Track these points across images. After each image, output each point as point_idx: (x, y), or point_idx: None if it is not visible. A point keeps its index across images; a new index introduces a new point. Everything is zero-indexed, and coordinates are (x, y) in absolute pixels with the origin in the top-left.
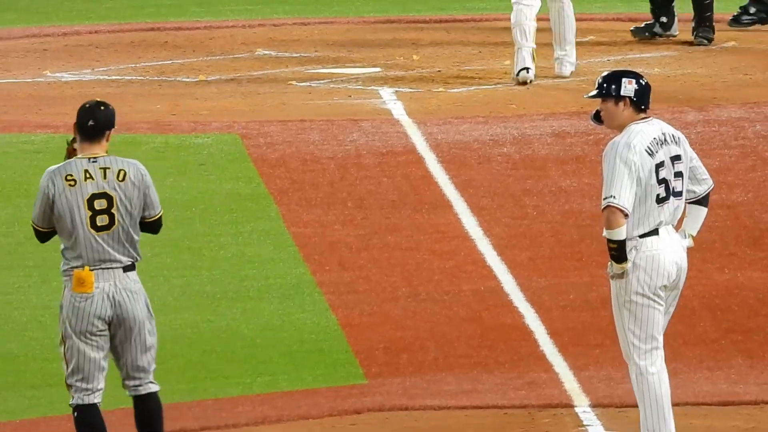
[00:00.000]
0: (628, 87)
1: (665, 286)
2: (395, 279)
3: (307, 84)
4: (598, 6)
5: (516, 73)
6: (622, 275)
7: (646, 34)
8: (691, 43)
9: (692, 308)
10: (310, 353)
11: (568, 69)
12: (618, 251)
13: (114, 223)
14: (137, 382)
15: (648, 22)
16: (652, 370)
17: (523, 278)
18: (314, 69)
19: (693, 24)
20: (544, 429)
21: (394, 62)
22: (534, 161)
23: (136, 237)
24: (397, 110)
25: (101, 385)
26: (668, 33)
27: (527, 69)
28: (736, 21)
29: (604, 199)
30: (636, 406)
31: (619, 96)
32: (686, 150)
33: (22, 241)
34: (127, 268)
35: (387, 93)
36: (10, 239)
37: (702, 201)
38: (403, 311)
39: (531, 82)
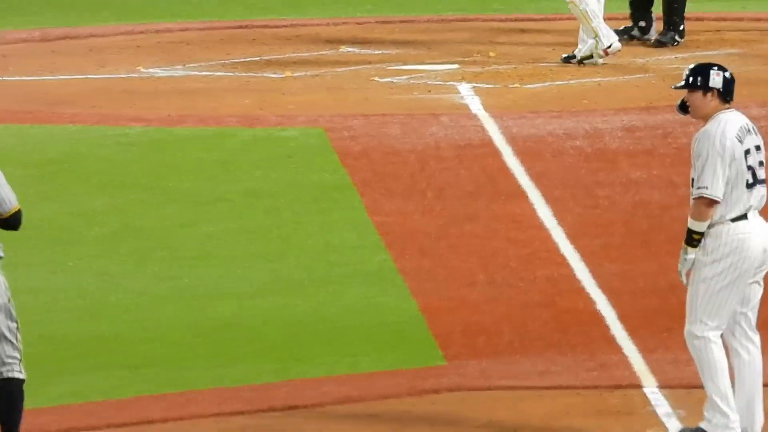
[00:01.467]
0: (716, 79)
1: (754, 269)
2: (472, 266)
3: (389, 80)
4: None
5: (608, 46)
6: (692, 263)
7: (624, 37)
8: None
9: (764, 293)
10: (391, 336)
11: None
12: (696, 240)
13: None
14: None
15: (627, 26)
16: (715, 345)
17: (594, 265)
18: (395, 66)
19: (664, 24)
20: (614, 409)
21: (472, 59)
22: (605, 154)
23: None
24: (475, 105)
25: None
26: (645, 37)
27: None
28: None
29: (698, 188)
30: (699, 386)
31: (707, 87)
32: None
33: (117, 230)
34: None
35: (465, 88)
36: (106, 228)
37: None
38: (480, 296)
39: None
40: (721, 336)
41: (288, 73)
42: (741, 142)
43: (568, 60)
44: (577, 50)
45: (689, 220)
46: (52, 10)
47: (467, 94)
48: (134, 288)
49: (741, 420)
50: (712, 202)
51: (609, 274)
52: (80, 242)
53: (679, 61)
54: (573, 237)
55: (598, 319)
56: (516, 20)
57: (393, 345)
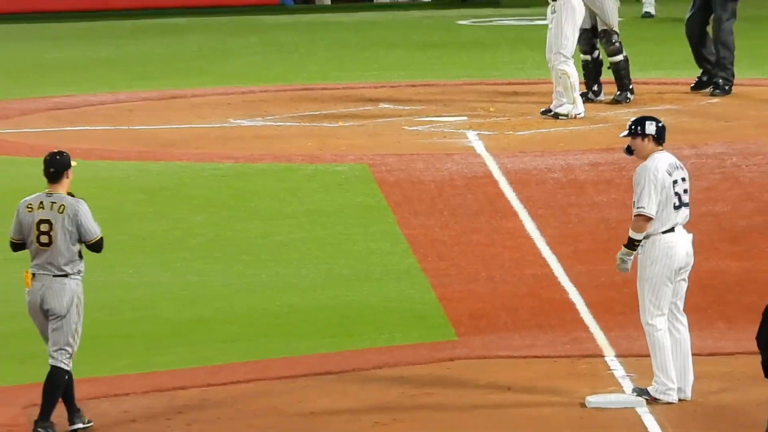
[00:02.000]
0: (650, 127)
1: (679, 269)
2: (477, 266)
3: (415, 128)
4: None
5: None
6: (627, 264)
7: (585, 99)
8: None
9: (688, 287)
10: (416, 318)
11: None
12: (637, 245)
13: (51, 242)
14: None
15: (584, 91)
16: (660, 328)
17: (567, 266)
18: (420, 117)
19: (617, 88)
20: (582, 372)
21: (476, 113)
22: (576, 183)
23: (71, 252)
24: (479, 147)
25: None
26: (598, 98)
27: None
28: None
29: (637, 208)
30: (648, 355)
31: (644, 134)
32: (688, 178)
33: (211, 239)
34: (57, 275)
35: (471, 135)
36: (203, 238)
37: None
38: (482, 289)
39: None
40: None
41: (340, 123)
42: (670, 174)
43: (545, 113)
44: (552, 105)
45: (630, 231)
46: (166, 77)
47: (473, 139)
48: (224, 282)
49: (678, 380)
50: (647, 219)
51: (578, 273)
52: (184, 248)
53: (630, 114)
54: (552, 245)
55: (571, 305)
56: (509, 84)
57: (418, 325)
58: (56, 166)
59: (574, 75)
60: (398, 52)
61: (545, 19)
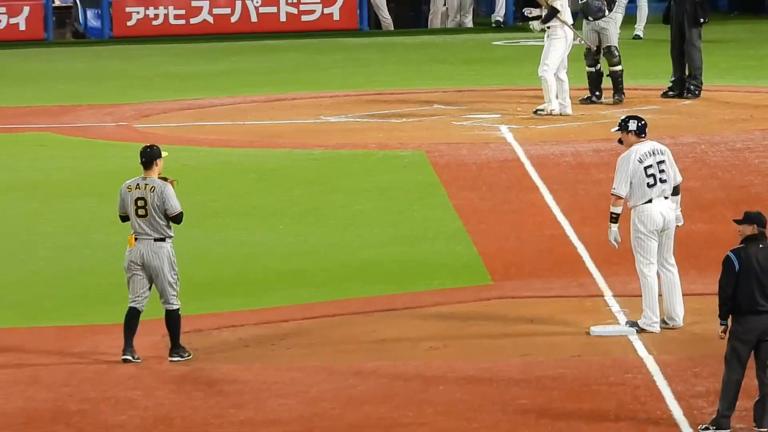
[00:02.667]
0: (631, 124)
1: (657, 230)
2: (508, 229)
3: (461, 123)
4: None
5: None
6: (614, 233)
7: (587, 102)
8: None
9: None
10: (463, 267)
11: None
12: (614, 218)
13: (146, 214)
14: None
15: (587, 96)
16: (648, 275)
17: (577, 228)
18: (465, 115)
19: (613, 92)
20: (588, 309)
21: (508, 112)
22: (582, 165)
23: (162, 222)
24: (509, 138)
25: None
26: (600, 101)
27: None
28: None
29: (612, 189)
30: (639, 295)
31: (627, 129)
32: (669, 157)
33: (306, 209)
34: (156, 240)
35: (503, 128)
36: (300, 207)
37: (674, 190)
38: (512, 246)
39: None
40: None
41: (403, 120)
42: (641, 162)
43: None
44: (542, 106)
45: (611, 206)
46: (270, 85)
47: (505, 132)
48: (315, 241)
49: (670, 309)
50: (618, 197)
51: (585, 233)
52: (285, 215)
53: (622, 113)
54: (565, 212)
55: (579, 258)
56: (532, 90)
57: (463, 273)
58: (147, 157)
59: (552, 82)
60: (447, 66)
61: (543, 41)
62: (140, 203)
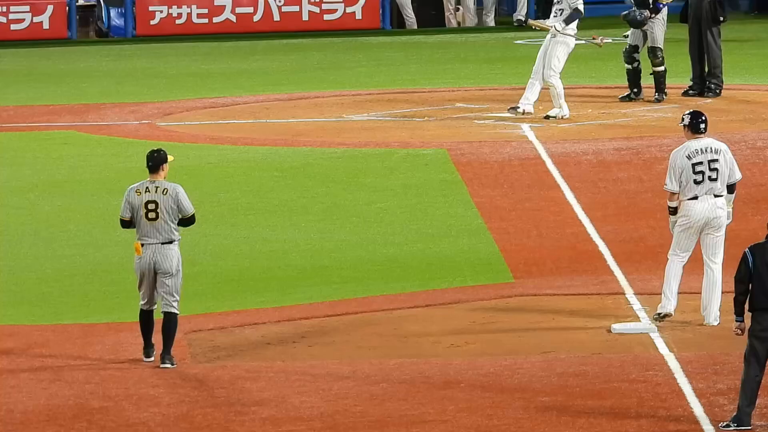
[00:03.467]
0: (686, 119)
1: (698, 226)
2: (530, 226)
3: (483, 122)
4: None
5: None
6: (673, 223)
7: (626, 99)
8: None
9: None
10: (484, 265)
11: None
12: (672, 210)
13: (157, 217)
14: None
15: (627, 93)
16: (670, 263)
17: (598, 226)
18: (486, 114)
19: (655, 90)
20: (609, 307)
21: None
22: (604, 163)
23: (172, 225)
24: (531, 136)
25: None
26: (639, 97)
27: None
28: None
29: (664, 185)
30: (660, 293)
31: (684, 123)
32: (725, 156)
33: (329, 206)
34: (164, 243)
35: (525, 126)
36: (323, 204)
37: (730, 188)
38: (534, 243)
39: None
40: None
41: (426, 118)
42: (689, 158)
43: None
44: (551, 111)
45: (667, 201)
46: (293, 83)
47: (526, 130)
48: (339, 238)
49: (704, 307)
50: (670, 192)
51: (606, 231)
52: (308, 213)
53: (646, 113)
54: (586, 210)
55: (600, 256)
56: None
57: (485, 270)
58: (154, 161)
59: (559, 87)
60: (469, 65)
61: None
62: (151, 206)
